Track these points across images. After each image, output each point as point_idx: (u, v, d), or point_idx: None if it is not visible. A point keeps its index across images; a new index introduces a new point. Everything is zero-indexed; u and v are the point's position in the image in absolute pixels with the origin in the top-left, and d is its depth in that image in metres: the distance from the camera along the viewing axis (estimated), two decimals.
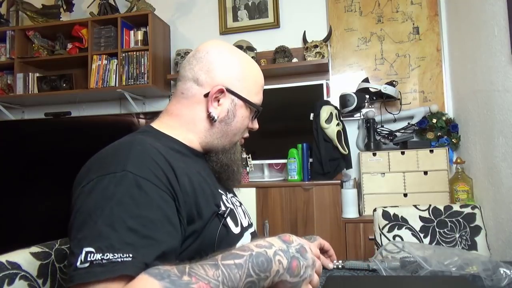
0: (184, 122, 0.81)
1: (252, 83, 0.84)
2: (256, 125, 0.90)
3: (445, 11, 2.46)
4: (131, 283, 0.51)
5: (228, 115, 0.81)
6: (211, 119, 0.80)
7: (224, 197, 0.80)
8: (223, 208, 0.75)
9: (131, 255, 0.53)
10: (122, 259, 0.52)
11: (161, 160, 0.66)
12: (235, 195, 0.93)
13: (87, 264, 0.52)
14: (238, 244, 0.75)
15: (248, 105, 0.83)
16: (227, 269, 0.54)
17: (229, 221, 0.76)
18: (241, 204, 0.91)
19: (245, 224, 0.84)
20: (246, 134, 0.89)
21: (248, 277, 0.55)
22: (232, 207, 0.80)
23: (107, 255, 0.52)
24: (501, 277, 0.83)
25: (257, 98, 0.85)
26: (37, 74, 2.84)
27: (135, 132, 0.81)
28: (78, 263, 0.52)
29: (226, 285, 0.53)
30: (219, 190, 0.81)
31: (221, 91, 0.79)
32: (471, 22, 2.05)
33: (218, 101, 0.80)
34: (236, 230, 0.78)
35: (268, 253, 0.58)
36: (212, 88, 0.79)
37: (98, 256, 0.52)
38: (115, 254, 0.52)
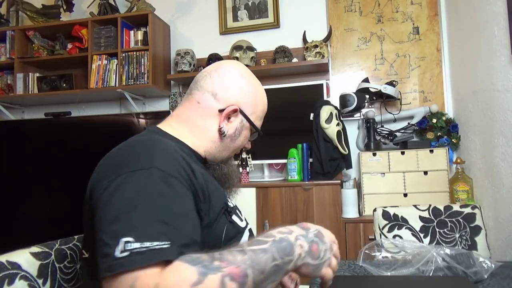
0: (193, 129, 0.85)
1: (260, 109, 0.92)
2: (249, 146, 0.97)
3: (445, 11, 2.46)
4: (167, 268, 0.54)
5: (235, 133, 0.88)
6: (221, 133, 0.85)
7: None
8: (230, 205, 0.82)
9: (168, 243, 0.56)
10: (160, 247, 0.55)
11: (180, 159, 0.70)
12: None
13: (127, 253, 0.54)
14: (242, 239, 0.81)
15: (252, 128, 0.90)
16: (253, 254, 0.57)
17: (234, 217, 0.82)
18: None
19: (245, 220, 0.90)
20: (238, 151, 0.96)
21: (273, 261, 0.58)
22: (232, 204, 0.86)
23: (145, 244, 0.55)
24: (483, 269, 0.88)
25: (259, 123, 0.93)
26: (37, 74, 2.84)
27: (145, 131, 0.84)
28: (118, 253, 0.54)
29: (254, 268, 0.56)
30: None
31: (235, 111, 0.85)
32: (471, 22, 2.05)
33: (229, 118, 0.86)
34: (242, 224, 0.84)
35: (290, 238, 0.62)
36: (228, 106, 0.84)
37: (136, 245, 0.55)
38: (153, 243, 0.55)
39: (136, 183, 0.62)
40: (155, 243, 0.55)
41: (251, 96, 0.88)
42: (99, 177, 0.67)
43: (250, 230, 0.92)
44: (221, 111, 0.84)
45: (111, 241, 0.56)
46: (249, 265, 0.56)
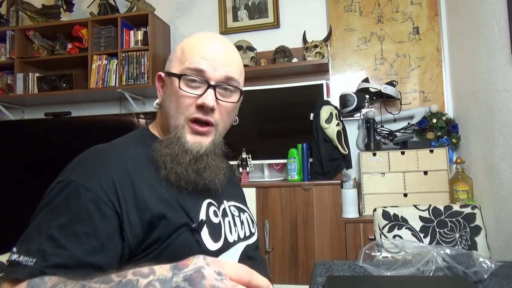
0: (157, 120, 0.85)
1: (184, 52, 0.77)
2: (206, 99, 0.72)
3: (445, 11, 2.46)
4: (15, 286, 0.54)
5: (163, 97, 0.80)
6: (158, 106, 0.82)
7: (213, 208, 0.77)
8: (195, 223, 0.71)
9: (34, 261, 0.55)
10: (26, 263, 0.55)
11: (116, 170, 0.67)
12: (237, 202, 0.89)
13: (8, 264, 0.57)
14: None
15: (174, 77, 0.76)
16: None
17: (205, 237, 0.72)
18: (241, 211, 0.88)
19: (232, 238, 0.79)
20: (197, 115, 0.74)
21: None
22: (218, 220, 0.77)
23: (20, 257, 0.56)
24: (483, 269, 0.88)
25: (186, 59, 0.75)
26: (37, 74, 2.84)
27: (130, 133, 0.84)
28: (5, 261, 0.59)
29: None
30: (207, 200, 0.77)
31: (159, 78, 0.82)
32: (471, 22, 2.05)
33: (163, 88, 0.82)
34: (212, 246, 0.73)
35: (139, 283, 0.47)
36: None
37: (14, 256, 0.57)
38: (26, 258, 0.56)
39: (50, 195, 0.63)
40: (25, 258, 0.56)
41: (177, 52, 0.79)
42: None
43: (251, 245, 0.83)
44: None
45: None
46: None
